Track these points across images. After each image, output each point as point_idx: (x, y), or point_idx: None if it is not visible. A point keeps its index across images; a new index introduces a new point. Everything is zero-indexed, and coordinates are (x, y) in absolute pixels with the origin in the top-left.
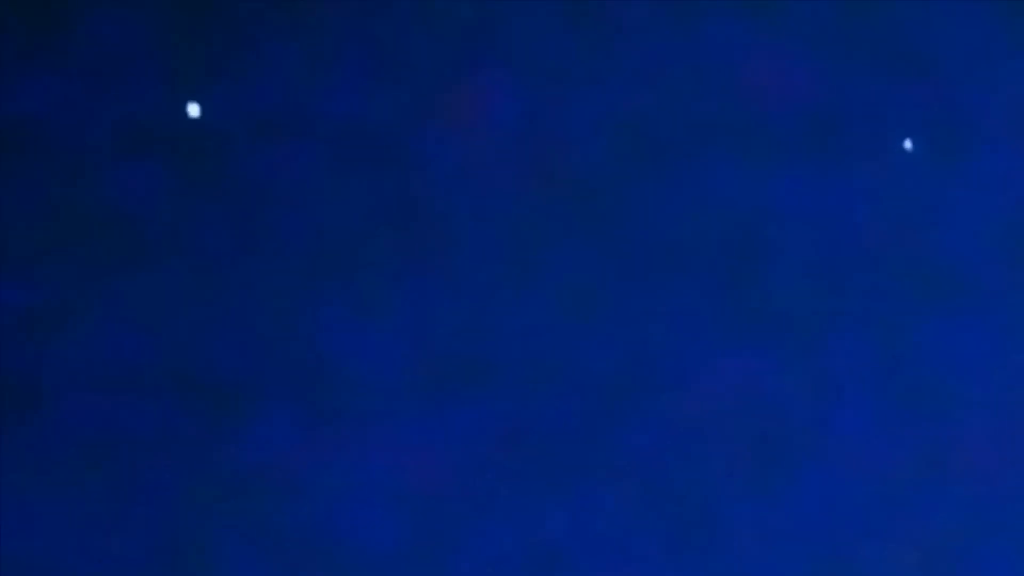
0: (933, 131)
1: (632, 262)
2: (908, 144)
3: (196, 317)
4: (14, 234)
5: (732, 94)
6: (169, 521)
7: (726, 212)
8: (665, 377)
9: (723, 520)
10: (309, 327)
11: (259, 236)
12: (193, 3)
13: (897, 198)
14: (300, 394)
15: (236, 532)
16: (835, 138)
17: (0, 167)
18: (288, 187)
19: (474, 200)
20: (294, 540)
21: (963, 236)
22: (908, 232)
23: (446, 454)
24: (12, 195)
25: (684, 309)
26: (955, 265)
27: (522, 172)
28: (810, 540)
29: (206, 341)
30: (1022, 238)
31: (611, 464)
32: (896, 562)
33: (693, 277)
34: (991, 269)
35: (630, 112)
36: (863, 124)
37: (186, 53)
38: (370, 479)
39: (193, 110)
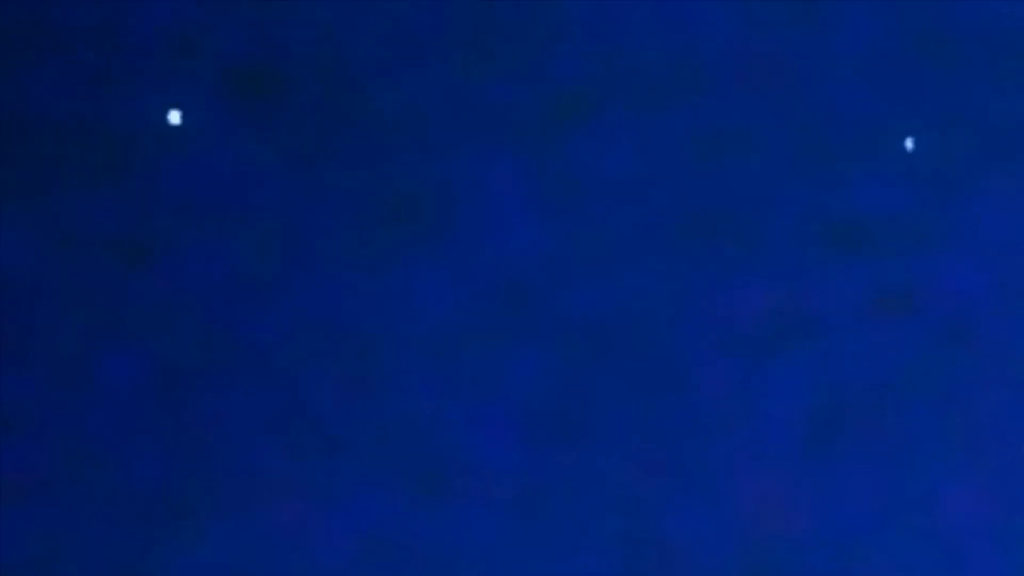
0: (934, 131)
1: (636, 265)
2: (909, 144)
3: (191, 322)
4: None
5: (732, 94)
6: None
7: (726, 211)
8: (662, 381)
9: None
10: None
11: (247, 241)
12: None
13: (898, 197)
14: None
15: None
16: (835, 138)
17: None
18: (278, 190)
19: (477, 181)
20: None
21: (964, 235)
22: (909, 231)
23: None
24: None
25: (681, 312)
26: (956, 264)
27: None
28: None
29: (199, 347)
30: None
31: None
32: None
33: (688, 280)
34: (992, 268)
35: (631, 114)
36: (863, 123)
37: (174, 57)
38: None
39: (174, 117)
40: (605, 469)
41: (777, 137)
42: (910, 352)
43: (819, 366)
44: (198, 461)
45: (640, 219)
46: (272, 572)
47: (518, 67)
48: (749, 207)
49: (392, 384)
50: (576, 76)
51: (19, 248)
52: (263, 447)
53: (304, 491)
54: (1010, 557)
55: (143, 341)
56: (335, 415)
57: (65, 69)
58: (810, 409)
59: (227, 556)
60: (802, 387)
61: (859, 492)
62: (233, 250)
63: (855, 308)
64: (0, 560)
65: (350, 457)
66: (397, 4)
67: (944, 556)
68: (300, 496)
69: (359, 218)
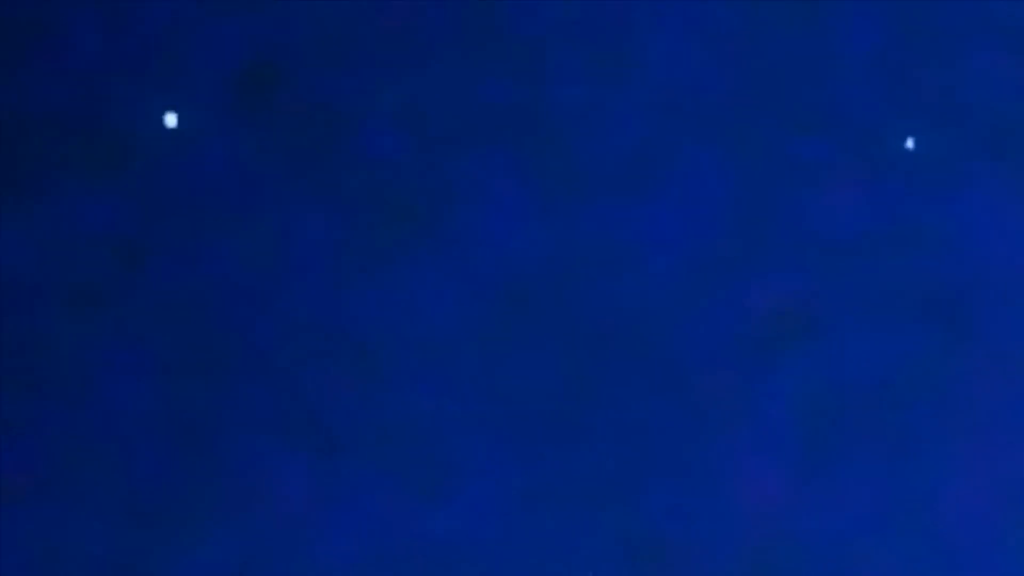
0: (935, 130)
1: (647, 266)
2: (910, 143)
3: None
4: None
5: (732, 94)
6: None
7: (727, 212)
8: (662, 381)
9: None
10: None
11: (246, 241)
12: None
13: (899, 197)
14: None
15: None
16: (836, 137)
17: None
18: (278, 190)
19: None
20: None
21: (965, 234)
22: (911, 230)
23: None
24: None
25: (682, 312)
26: (957, 264)
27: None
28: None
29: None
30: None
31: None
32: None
33: (690, 279)
34: (993, 268)
35: (632, 113)
36: (864, 123)
37: (173, 58)
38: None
39: (171, 120)
40: (605, 469)
41: (778, 136)
42: (910, 351)
43: (821, 366)
44: (198, 461)
45: (641, 219)
46: (273, 572)
47: (518, 67)
48: (750, 207)
49: (392, 384)
50: (576, 76)
51: (19, 248)
52: (263, 447)
53: (304, 491)
54: (1010, 557)
55: (143, 341)
56: (335, 415)
57: (65, 69)
58: (811, 409)
59: (227, 556)
60: (804, 387)
61: (860, 493)
62: (232, 250)
63: (857, 306)
64: (0, 560)
65: (350, 457)
66: (397, 4)
67: (944, 556)
68: (300, 496)
69: (358, 218)
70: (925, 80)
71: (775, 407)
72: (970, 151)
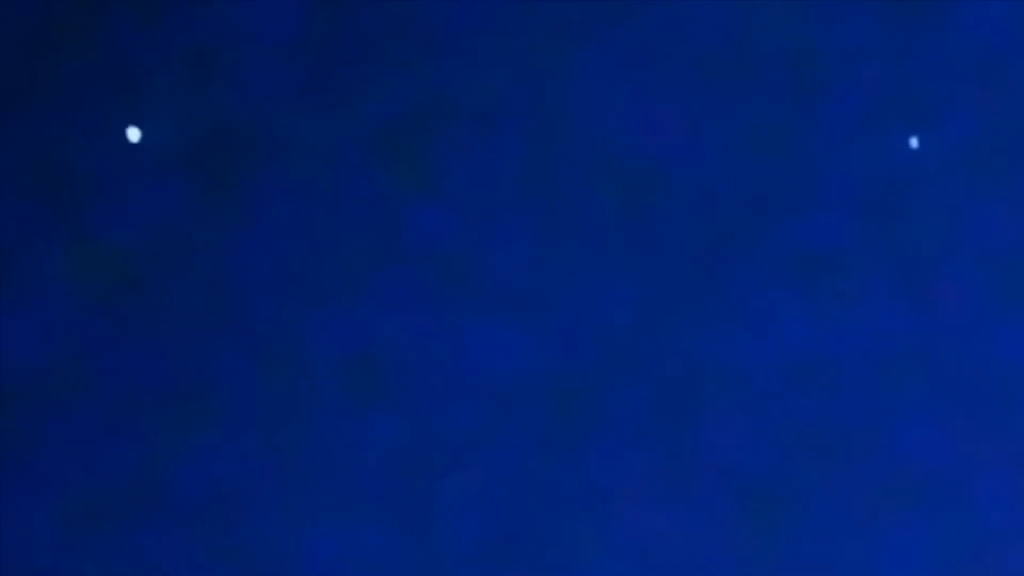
0: (939, 129)
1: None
2: (914, 143)
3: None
4: None
5: (733, 94)
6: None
7: (729, 210)
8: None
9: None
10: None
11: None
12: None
13: (902, 196)
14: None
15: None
16: (839, 136)
17: None
18: (236, 209)
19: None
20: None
21: (966, 234)
22: (913, 230)
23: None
24: None
25: (688, 303)
26: (958, 263)
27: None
28: None
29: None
30: None
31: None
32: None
33: (693, 281)
34: (994, 268)
35: (633, 111)
36: (867, 121)
37: (128, 76)
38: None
39: (133, 135)
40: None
41: (779, 137)
42: (910, 347)
43: (831, 365)
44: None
45: (644, 207)
46: None
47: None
48: (752, 203)
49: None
50: (574, 76)
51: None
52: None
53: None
54: None
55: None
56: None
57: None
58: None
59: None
60: (797, 382)
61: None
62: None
63: (857, 307)
64: None
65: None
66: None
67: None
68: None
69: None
70: (929, 79)
71: (763, 400)
72: (976, 149)
